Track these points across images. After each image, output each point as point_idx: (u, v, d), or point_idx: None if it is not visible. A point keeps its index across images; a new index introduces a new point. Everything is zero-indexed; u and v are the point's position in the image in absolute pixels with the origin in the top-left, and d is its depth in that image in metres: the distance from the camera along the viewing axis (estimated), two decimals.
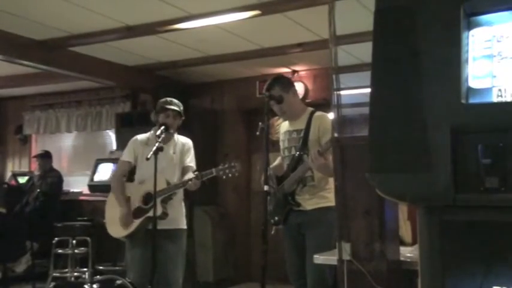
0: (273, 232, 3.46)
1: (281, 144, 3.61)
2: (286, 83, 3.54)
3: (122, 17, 4.67)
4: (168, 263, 3.69)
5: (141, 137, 3.94)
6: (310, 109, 3.52)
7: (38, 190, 6.56)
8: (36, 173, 7.14)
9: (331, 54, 2.45)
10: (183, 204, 3.89)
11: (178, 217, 3.81)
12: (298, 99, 3.61)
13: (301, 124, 3.45)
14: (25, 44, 5.23)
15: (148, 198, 3.69)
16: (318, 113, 3.46)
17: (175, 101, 3.88)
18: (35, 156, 7.33)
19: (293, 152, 3.45)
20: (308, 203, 3.37)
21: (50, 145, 8.05)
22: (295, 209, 3.41)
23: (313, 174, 3.35)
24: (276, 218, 3.46)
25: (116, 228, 3.82)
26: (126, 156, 3.91)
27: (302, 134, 3.41)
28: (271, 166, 3.57)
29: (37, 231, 6.20)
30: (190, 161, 3.89)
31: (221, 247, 6.48)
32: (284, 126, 3.63)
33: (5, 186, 6.80)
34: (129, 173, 3.98)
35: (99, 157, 7.27)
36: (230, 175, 3.65)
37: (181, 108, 3.88)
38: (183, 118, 3.89)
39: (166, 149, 3.69)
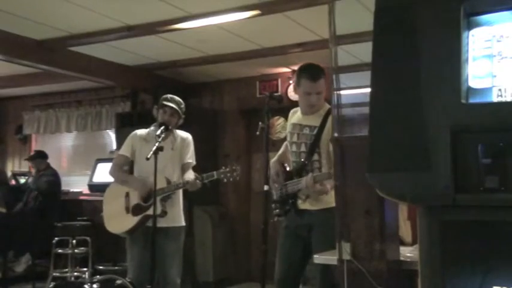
0: (275, 219, 3.32)
1: (288, 136, 3.41)
2: (323, 72, 3.32)
3: (122, 17, 4.67)
4: (167, 261, 3.69)
5: (140, 132, 3.93)
6: (328, 106, 3.26)
7: (36, 192, 6.51)
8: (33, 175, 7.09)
9: (331, 54, 2.44)
10: (181, 201, 3.88)
11: (177, 215, 3.80)
12: None
13: (315, 121, 3.26)
14: (25, 44, 5.23)
15: (148, 196, 3.69)
16: None
17: (176, 98, 3.87)
18: (26, 159, 7.30)
19: (302, 148, 3.27)
20: (310, 204, 3.25)
21: (50, 145, 8.05)
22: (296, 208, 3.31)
23: None
24: (277, 210, 3.33)
25: (114, 224, 3.82)
26: (124, 150, 3.91)
27: (315, 132, 3.23)
28: (279, 156, 3.47)
29: (37, 231, 6.20)
30: (190, 157, 3.88)
31: (221, 247, 6.48)
32: (295, 117, 3.41)
33: (5, 186, 6.78)
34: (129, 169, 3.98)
35: (99, 157, 7.28)
36: (231, 179, 3.65)
37: (182, 106, 3.86)
38: (183, 117, 3.89)
39: (165, 146, 3.66)
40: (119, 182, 3.90)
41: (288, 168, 3.45)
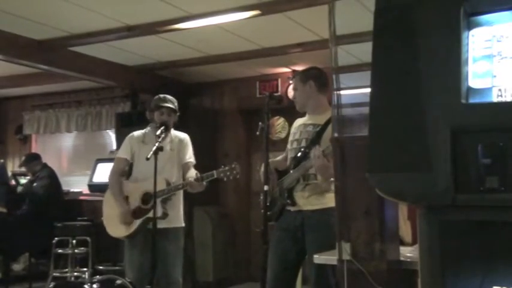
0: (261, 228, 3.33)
1: (291, 136, 3.46)
2: (307, 74, 3.41)
3: (122, 17, 4.67)
4: (169, 261, 3.69)
5: (137, 133, 3.91)
6: None
7: (36, 193, 6.46)
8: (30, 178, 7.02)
9: (331, 54, 2.44)
10: (181, 202, 3.87)
11: (176, 216, 3.79)
12: (320, 96, 3.39)
13: (321, 119, 3.29)
14: (25, 44, 5.23)
15: (148, 198, 3.68)
16: None
17: (170, 97, 3.86)
18: (19, 166, 7.24)
19: (303, 144, 3.29)
20: (306, 201, 3.23)
21: (50, 145, 8.06)
22: (290, 208, 3.28)
23: None
24: (268, 213, 3.20)
25: (115, 228, 3.80)
26: (123, 153, 3.88)
27: (318, 129, 3.26)
28: (272, 160, 3.45)
29: (37, 231, 6.19)
30: (190, 156, 3.87)
31: (221, 247, 6.48)
32: (300, 120, 3.46)
33: (6, 186, 6.76)
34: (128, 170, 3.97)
35: (99, 157, 7.27)
36: (231, 177, 3.64)
37: (176, 104, 3.85)
38: (178, 114, 3.88)
39: (164, 146, 3.63)
40: (111, 192, 3.86)
41: (280, 169, 3.43)
